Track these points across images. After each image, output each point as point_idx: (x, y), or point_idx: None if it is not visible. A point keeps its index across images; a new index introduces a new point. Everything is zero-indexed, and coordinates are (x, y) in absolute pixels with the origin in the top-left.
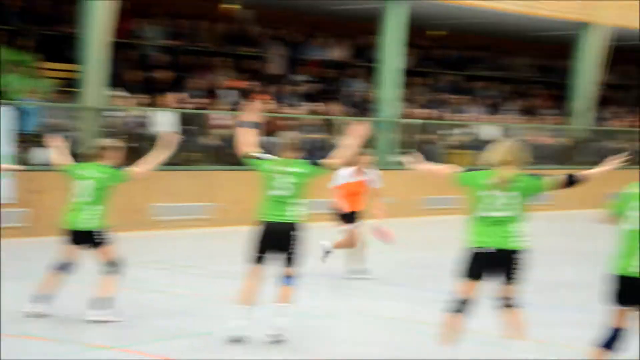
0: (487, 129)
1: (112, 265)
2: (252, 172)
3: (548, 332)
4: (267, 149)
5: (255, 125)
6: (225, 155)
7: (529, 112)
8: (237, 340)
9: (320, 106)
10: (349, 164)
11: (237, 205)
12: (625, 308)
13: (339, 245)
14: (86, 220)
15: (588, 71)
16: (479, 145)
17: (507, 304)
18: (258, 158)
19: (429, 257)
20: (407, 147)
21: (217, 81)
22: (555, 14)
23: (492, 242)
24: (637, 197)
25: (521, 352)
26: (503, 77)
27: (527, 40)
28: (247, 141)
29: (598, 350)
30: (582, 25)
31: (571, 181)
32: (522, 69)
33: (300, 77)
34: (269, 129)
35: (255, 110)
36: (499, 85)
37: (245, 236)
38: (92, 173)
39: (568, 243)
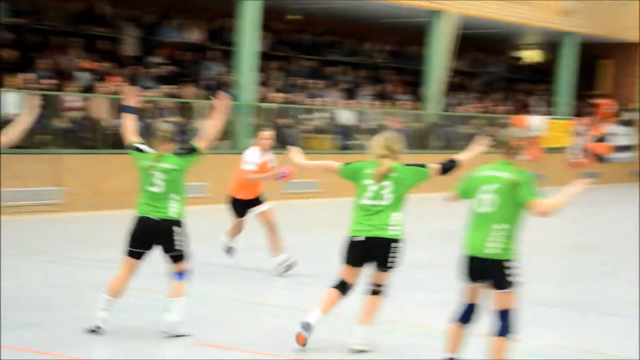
0: (344, 114)
1: None
2: (103, 156)
3: (403, 313)
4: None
5: (134, 110)
6: (76, 139)
7: (383, 97)
8: (93, 331)
9: (175, 89)
10: (257, 144)
11: (87, 190)
12: (476, 285)
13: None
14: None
15: (439, 58)
16: (336, 129)
17: (374, 290)
18: (138, 150)
19: (294, 240)
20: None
21: (68, 62)
22: (408, 1)
23: (364, 230)
24: (487, 181)
25: (361, 336)
26: (358, 62)
27: (382, 27)
28: (131, 128)
29: (454, 325)
30: (434, 13)
31: (446, 168)
32: (376, 54)
33: (155, 60)
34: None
35: (134, 94)
36: (354, 71)
37: (96, 222)
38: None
39: (421, 225)
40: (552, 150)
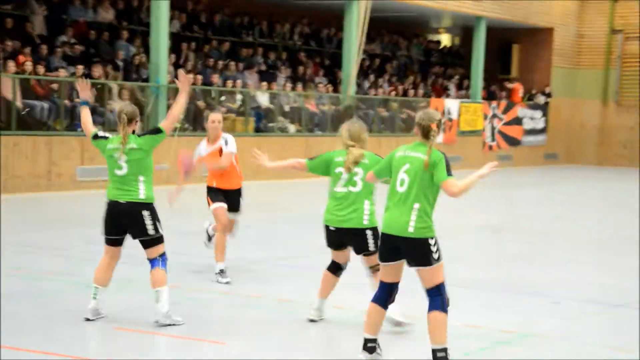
0: (260, 96)
1: None
2: (13, 137)
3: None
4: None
5: (88, 102)
6: None
7: (300, 80)
8: (88, 319)
9: (86, 70)
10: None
11: None
12: (397, 263)
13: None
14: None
15: (354, 41)
16: (252, 112)
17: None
18: (102, 137)
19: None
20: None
21: None
22: None
23: (336, 221)
24: (403, 161)
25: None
26: (274, 44)
27: (297, 9)
28: (89, 119)
29: (372, 305)
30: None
31: None
32: (292, 37)
33: (64, 39)
34: (31, 93)
35: (87, 87)
36: (270, 53)
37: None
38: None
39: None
40: (466, 133)
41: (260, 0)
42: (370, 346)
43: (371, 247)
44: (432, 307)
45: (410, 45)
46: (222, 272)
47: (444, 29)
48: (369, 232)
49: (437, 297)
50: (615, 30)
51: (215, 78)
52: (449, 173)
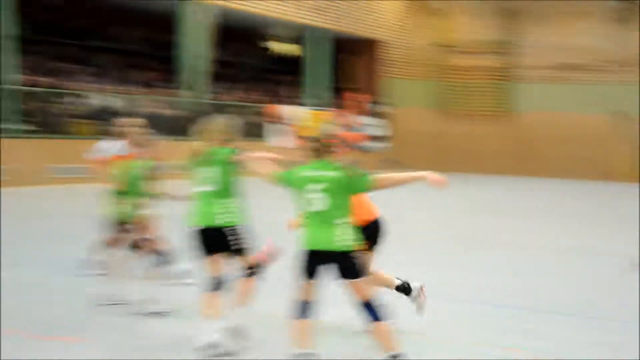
0: (107, 99)
1: None
2: None
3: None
4: None
5: None
6: None
7: (143, 83)
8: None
9: None
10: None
11: None
12: (314, 281)
13: None
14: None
15: (193, 46)
16: (98, 114)
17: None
18: None
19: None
20: (30, 115)
21: None
22: None
23: (200, 220)
24: (313, 180)
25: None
26: (115, 48)
27: (134, 12)
28: None
29: (297, 321)
30: (184, 2)
31: None
32: (132, 40)
33: None
34: None
35: None
36: (111, 56)
37: None
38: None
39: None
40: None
41: (98, 3)
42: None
43: (235, 247)
44: (367, 320)
45: (248, 52)
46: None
47: (280, 38)
48: (230, 231)
49: (368, 310)
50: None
51: (64, 81)
52: (365, 173)
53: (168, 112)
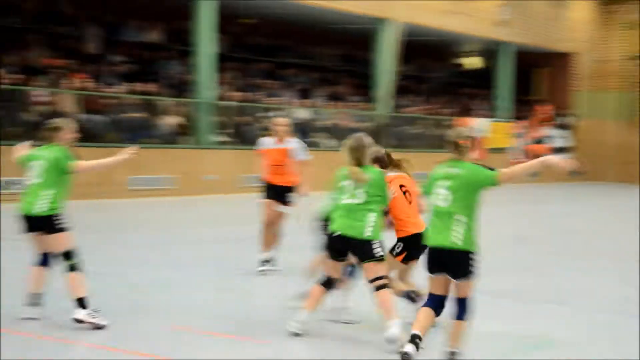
0: (300, 112)
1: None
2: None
3: None
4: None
5: None
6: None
7: (335, 98)
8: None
9: (137, 86)
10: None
11: None
12: (439, 276)
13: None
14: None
15: (386, 62)
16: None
17: (376, 285)
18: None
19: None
20: (225, 127)
21: (33, 58)
22: (354, 9)
23: (339, 227)
24: (443, 177)
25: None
26: (311, 65)
27: (332, 32)
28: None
29: (424, 312)
30: (379, 21)
31: None
32: (327, 58)
33: (116, 58)
34: (89, 107)
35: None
36: (307, 73)
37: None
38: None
39: None
40: (494, 150)
41: (296, 23)
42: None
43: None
44: (453, 315)
45: (440, 67)
46: (265, 262)
47: (470, 53)
48: (370, 244)
49: (460, 308)
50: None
51: (257, 96)
52: (491, 169)
53: (359, 124)
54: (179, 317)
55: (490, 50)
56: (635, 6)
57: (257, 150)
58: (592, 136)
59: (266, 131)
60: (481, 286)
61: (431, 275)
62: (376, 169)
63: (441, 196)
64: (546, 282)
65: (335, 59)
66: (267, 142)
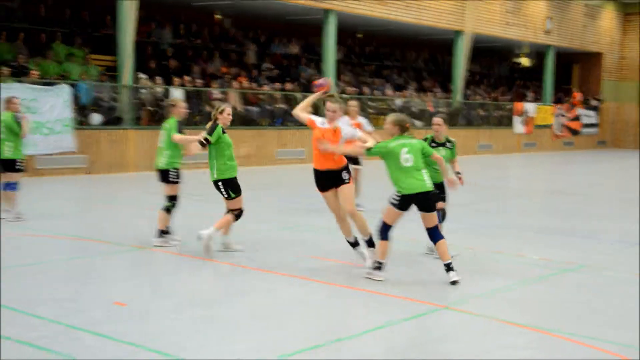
0: (397, 101)
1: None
2: (235, 131)
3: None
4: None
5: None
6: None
7: (422, 90)
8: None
9: (280, 86)
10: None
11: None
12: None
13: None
14: (160, 162)
15: (459, 63)
16: (393, 110)
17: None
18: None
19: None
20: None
21: (211, 68)
22: (437, 24)
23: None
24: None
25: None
26: (404, 66)
27: (420, 41)
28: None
29: (383, 242)
30: (455, 32)
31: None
32: (417, 61)
33: (267, 65)
34: (247, 101)
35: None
36: (402, 72)
37: None
38: (165, 125)
39: None
40: (541, 127)
41: (394, 35)
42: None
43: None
44: (435, 239)
45: (500, 65)
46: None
47: (523, 54)
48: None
49: (436, 233)
50: None
51: (365, 89)
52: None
53: (440, 109)
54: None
55: (538, 52)
56: None
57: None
58: (614, 115)
59: (367, 114)
60: (527, 225)
61: (398, 212)
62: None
63: (407, 159)
64: (576, 222)
65: (423, 61)
66: (344, 120)
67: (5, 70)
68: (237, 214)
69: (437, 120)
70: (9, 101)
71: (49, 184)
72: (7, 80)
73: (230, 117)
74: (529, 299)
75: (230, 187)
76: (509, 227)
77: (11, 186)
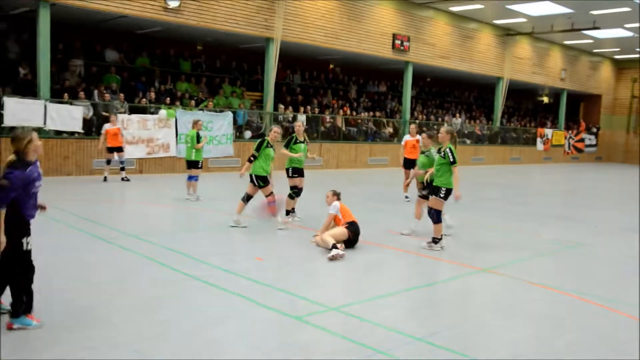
0: (454, 125)
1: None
2: (340, 144)
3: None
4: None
5: None
6: (329, 135)
7: (472, 118)
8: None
9: (372, 114)
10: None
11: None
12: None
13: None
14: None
15: (499, 99)
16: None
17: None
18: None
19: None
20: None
21: (324, 101)
22: (484, 72)
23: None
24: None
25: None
26: (459, 100)
27: (470, 83)
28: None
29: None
30: (496, 78)
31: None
32: (468, 97)
33: (363, 99)
34: (349, 124)
35: None
36: (457, 105)
37: None
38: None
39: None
40: (555, 146)
41: (453, 79)
42: None
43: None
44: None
45: (528, 101)
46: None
47: (545, 94)
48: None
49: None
50: (634, 96)
51: (431, 117)
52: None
53: (484, 132)
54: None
55: (555, 93)
56: (636, 69)
57: (404, 142)
58: (609, 139)
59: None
60: (544, 213)
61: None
62: None
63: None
64: (580, 212)
65: (473, 98)
66: (406, 137)
67: (193, 102)
68: (269, 196)
69: (412, 125)
70: (196, 122)
71: (216, 177)
72: (194, 109)
73: (277, 135)
74: (544, 266)
75: (261, 180)
76: (531, 214)
77: (194, 178)
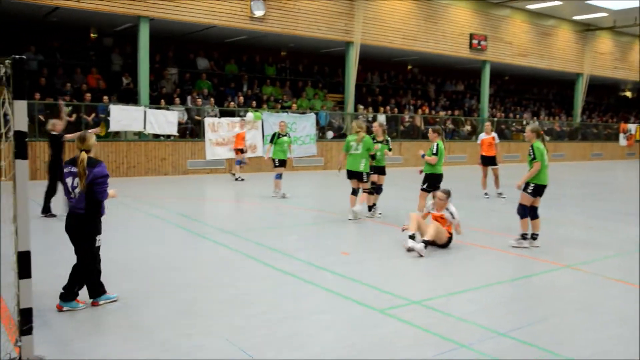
0: (532, 123)
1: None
2: (414, 143)
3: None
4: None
5: None
6: (408, 135)
7: (551, 115)
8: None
9: (450, 112)
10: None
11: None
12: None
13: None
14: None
15: (578, 97)
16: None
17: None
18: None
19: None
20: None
21: (404, 101)
22: (563, 68)
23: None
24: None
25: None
26: (537, 98)
27: (549, 81)
28: None
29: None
30: (575, 75)
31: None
32: (547, 95)
33: (441, 98)
34: (427, 122)
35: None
36: (535, 102)
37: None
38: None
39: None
40: (638, 141)
41: (528, 77)
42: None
43: (364, 179)
44: None
45: (608, 97)
46: (486, 194)
47: (627, 89)
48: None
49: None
50: None
51: (510, 114)
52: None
53: (564, 128)
54: None
55: (638, 88)
56: None
57: (480, 140)
58: None
59: (511, 131)
60: (627, 211)
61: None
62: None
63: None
64: (593, 208)
65: (552, 94)
66: (482, 135)
67: (277, 105)
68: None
69: (487, 124)
70: (281, 124)
71: (301, 176)
72: (279, 111)
73: (378, 130)
74: (628, 264)
75: (367, 175)
76: (615, 211)
77: (279, 176)
